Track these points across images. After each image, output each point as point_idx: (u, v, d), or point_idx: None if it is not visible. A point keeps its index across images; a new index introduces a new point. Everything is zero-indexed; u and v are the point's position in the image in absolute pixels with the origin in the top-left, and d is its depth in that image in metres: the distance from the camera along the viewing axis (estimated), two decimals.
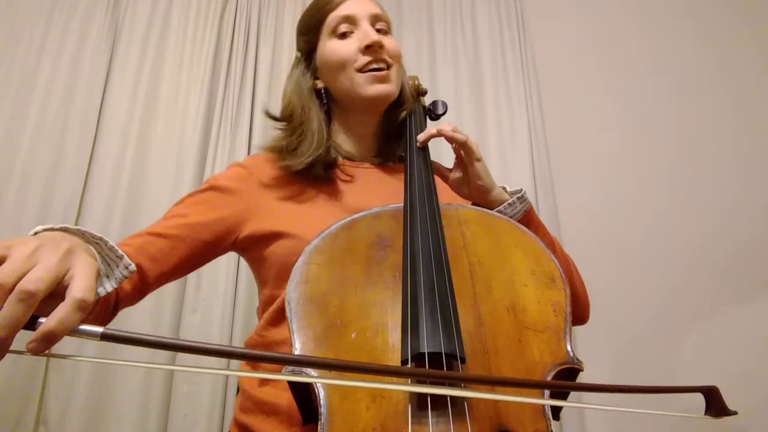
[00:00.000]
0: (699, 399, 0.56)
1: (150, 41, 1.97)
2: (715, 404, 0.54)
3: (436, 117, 1.06)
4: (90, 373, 1.59)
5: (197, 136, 1.87)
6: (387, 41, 0.95)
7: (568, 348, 0.61)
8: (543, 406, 0.56)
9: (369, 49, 0.92)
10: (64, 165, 1.78)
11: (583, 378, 0.65)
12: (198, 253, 0.87)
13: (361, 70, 0.93)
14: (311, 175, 0.92)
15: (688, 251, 1.79)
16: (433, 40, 2.12)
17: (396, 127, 1.01)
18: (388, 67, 0.94)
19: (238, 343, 1.68)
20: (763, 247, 1.74)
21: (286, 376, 0.53)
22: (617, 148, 1.96)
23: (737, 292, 1.73)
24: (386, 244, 0.71)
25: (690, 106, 1.95)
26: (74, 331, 0.44)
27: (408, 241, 0.69)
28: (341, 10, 0.95)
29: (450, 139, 0.87)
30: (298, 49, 1.04)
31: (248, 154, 1.84)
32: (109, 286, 0.64)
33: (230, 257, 1.72)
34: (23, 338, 0.43)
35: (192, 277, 1.70)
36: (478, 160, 0.87)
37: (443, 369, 0.55)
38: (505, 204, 0.86)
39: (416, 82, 1.07)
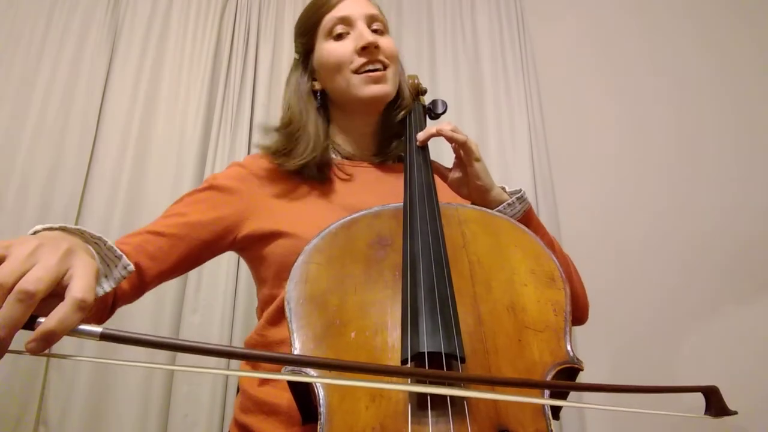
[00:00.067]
0: (699, 399, 0.56)
1: (150, 41, 1.97)
2: (715, 404, 0.54)
3: (435, 116, 1.06)
4: (90, 373, 1.59)
5: (197, 136, 1.87)
6: (383, 41, 0.95)
7: (568, 347, 0.61)
8: (543, 405, 0.56)
9: (364, 50, 0.92)
10: (64, 165, 1.78)
11: (583, 378, 0.65)
12: (197, 252, 0.87)
13: (357, 72, 0.93)
14: (305, 175, 0.93)
15: (688, 251, 1.79)
16: (433, 40, 2.12)
17: (395, 127, 1.01)
18: (385, 67, 0.94)
19: (238, 343, 1.68)
20: (763, 247, 1.74)
21: (285, 375, 0.53)
22: (617, 148, 1.96)
23: (737, 292, 1.73)
24: (386, 244, 0.71)
25: (690, 106, 1.95)
26: (74, 331, 0.44)
27: (408, 241, 0.69)
28: (337, 12, 0.95)
29: (449, 139, 0.87)
30: (296, 51, 1.05)
31: (248, 153, 1.84)
32: (107, 286, 0.64)
33: (230, 257, 1.72)
34: (22, 338, 0.43)
35: (192, 277, 1.70)
36: (478, 160, 0.87)
37: (443, 369, 0.55)
38: (504, 204, 0.86)
39: (416, 81, 1.07)
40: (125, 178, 1.79)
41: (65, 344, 1.48)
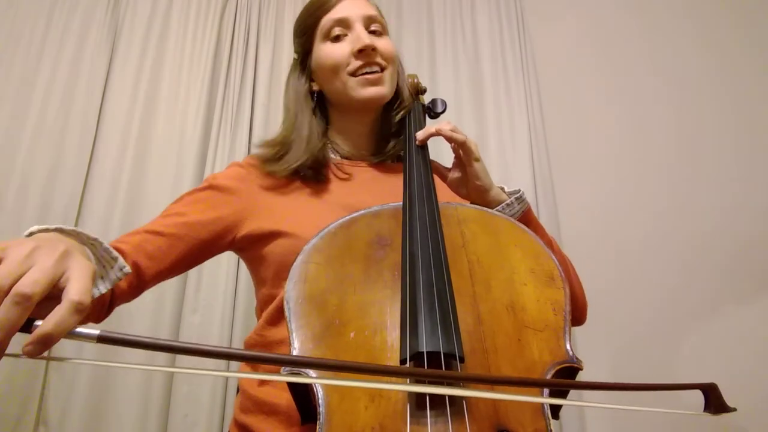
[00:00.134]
0: (699, 397, 0.56)
1: (150, 41, 1.97)
2: (714, 401, 0.54)
3: (435, 115, 1.06)
4: (90, 374, 1.59)
5: (197, 136, 1.87)
6: (381, 43, 0.95)
7: (568, 347, 0.61)
8: (542, 405, 0.56)
9: (361, 53, 0.92)
10: (64, 165, 1.78)
11: (582, 378, 0.65)
12: (196, 251, 0.87)
13: (353, 74, 0.93)
14: (301, 176, 0.93)
15: (688, 251, 1.79)
16: (433, 40, 2.12)
17: (394, 126, 1.01)
18: (382, 69, 0.94)
19: (238, 343, 1.68)
20: (763, 246, 1.74)
21: (284, 377, 0.53)
22: (617, 148, 1.96)
23: (737, 292, 1.73)
24: (385, 243, 0.71)
25: (690, 106, 1.95)
26: (71, 334, 0.43)
27: (407, 240, 0.69)
28: (334, 13, 0.95)
29: (449, 139, 0.87)
30: (295, 50, 1.05)
31: (248, 154, 1.84)
32: (103, 288, 0.64)
33: (230, 257, 1.72)
34: (20, 340, 0.43)
35: (192, 277, 1.70)
36: (477, 160, 0.87)
37: (442, 368, 0.55)
38: (503, 204, 0.86)
39: (415, 81, 1.07)
40: (125, 178, 1.79)
41: (65, 346, 1.49)
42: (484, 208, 0.82)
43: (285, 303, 0.64)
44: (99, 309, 0.76)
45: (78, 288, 0.45)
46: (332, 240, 0.72)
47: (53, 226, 0.59)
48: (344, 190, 0.94)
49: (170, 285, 1.67)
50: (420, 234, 0.69)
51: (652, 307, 1.75)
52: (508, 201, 0.87)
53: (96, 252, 0.63)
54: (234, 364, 1.48)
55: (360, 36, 0.93)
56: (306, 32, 0.99)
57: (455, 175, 0.91)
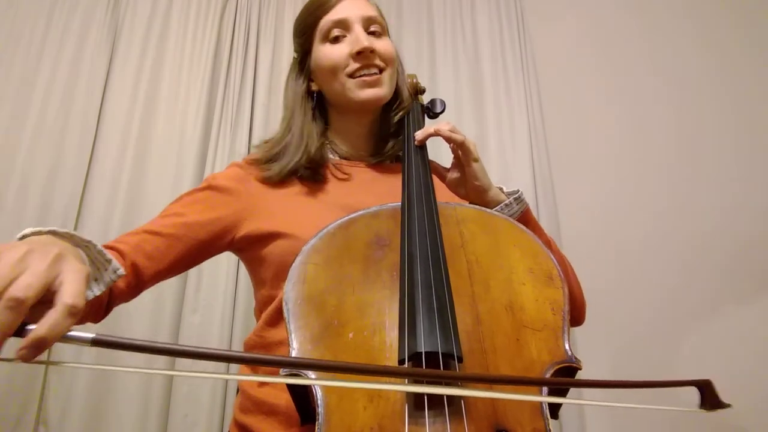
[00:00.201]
0: (696, 395, 0.56)
1: (150, 41, 1.97)
2: (709, 398, 0.54)
3: (434, 115, 1.06)
4: (90, 374, 1.59)
5: (197, 136, 1.87)
6: (380, 44, 0.95)
7: (567, 347, 0.61)
8: (541, 405, 0.56)
9: (359, 55, 0.92)
10: (64, 165, 1.78)
11: (581, 378, 0.65)
12: (194, 252, 0.87)
13: (351, 76, 0.93)
14: (299, 176, 0.93)
15: (688, 251, 1.79)
16: (433, 40, 2.12)
17: (393, 127, 1.01)
18: (380, 71, 0.94)
19: (238, 343, 1.68)
20: (762, 246, 1.74)
21: (283, 378, 0.53)
22: (617, 148, 1.96)
23: (737, 292, 1.73)
24: (384, 244, 0.71)
25: (690, 106, 1.95)
26: (65, 337, 0.43)
27: (406, 240, 0.69)
28: (334, 14, 0.95)
29: (447, 139, 0.87)
30: (295, 50, 1.05)
31: (248, 154, 1.84)
32: (97, 290, 0.64)
33: (230, 257, 1.72)
34: (15, 344, 0.43)
35: (192, 277, 1.70)
36: (476, 160, 0.87)
37: (440, 369, 0.55)
38: (501, 204, 0.87)
39: (414, 81, 1.07)
40: (125, 178, 1.79)
41: (64, 349, 1.49)
42: (483, 208, 0.82)
43: (284, 304, 0.64)
44: (97, 309, 0.76)
45: (71, 291, 0.45)
46: (331, 240, 0.72)
47: (46, 229, 0.59)
48: (343, 190, 0.94)
49: (170, 285, 1.68)
50: (419, 234, 0.69)
51: (651, 306, 1.75)
52: (506, 201, 0.87)
53: (90, 254, 0.63)
54: (234, 364, 1.48)
55: (359, 38, 0.92)
56: (305, 32, 0.99)
57: (454, 175, 0.91)
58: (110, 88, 1.90)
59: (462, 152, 0.87)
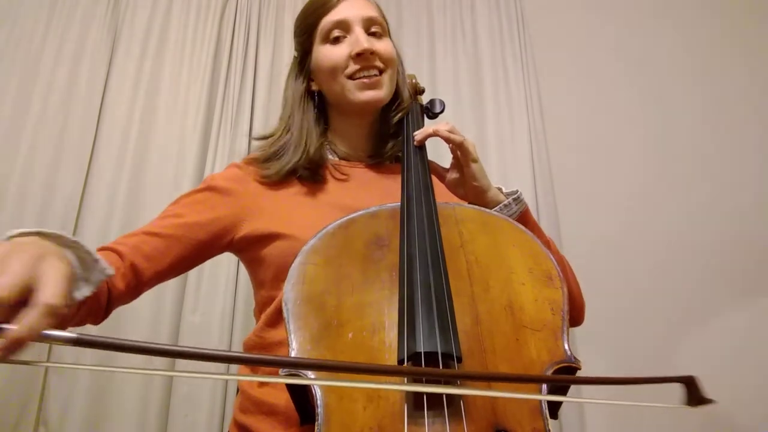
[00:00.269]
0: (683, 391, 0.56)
1: (150, 41, 1.97)
2: (694, 394, 0.54)
3: (433, 115, 1.06)
4: (90, 374, 1.59)
5: (197, 136, 1.87)
6: (381, 45, 0.94)
7: (566, 347, 0.61)
8: (540, 405, 0.56)
9: (359, 56, 0.92)
10: (64, 165, 1.78)
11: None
12: (193, 252, 0.87)
13: (351, 77, 0.93)
14: (298, 177, 0.93)
15: (688, 251, 1.80)
16: (433, 40, 2.12)
17: (393, 127, 1.01)
18: (380, 72, 0.94)
19: (237, 343, 1.68)
20: (760, 247, 1.75)
21: (283, 378, 0.53)
22: (617, 148, 1.96)
23: (736, 293, 1.74)
24: (383, 244, 0.71)
25: (690, 106, 1.96)
26: (46, 337, 0.42)
27: (405, 241, 0.69)
28: (334, 14, 0.94)
29: (446, 140, 0.87)
30: (295, 49, 1.05)
31: (248, 154, 1.84)
32: (87, 290, 0.63)
33: (230, 258, 1.72)
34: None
35: (192, 277, 1.70)
36: (475, 161, 0.87)
37: (439, 368, 0.55)
38: (501, 205, 0.87)
39: (413, 81, 1.07)
40: (125, 178, 1.79)
41: (65, 348, 1.49)
42: (482, 209, 0.82)
43: (283, 305, 0.64)
44: (96, 311, 0.76)
45: (50, 291, 0.45)
46: (330, 241, 0.72)
47: (33, 230, 0.59)
48: (342, 191, 0.94)
49: (170, 285, 1.68)
50: (418, 234, 0.69)
51: (651, 307, 1.75)
52: (506, 201, 0.87)
53: (78, 254, 0.63)
54: (234, 365, 1.48)
55: (359, 39, 0.92)
56: (306, 32, 0.99)
57: (453, 175, 0.91)
58: (110, 88, 1.90)
59: (461, 153, 0.87)
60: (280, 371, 0.55)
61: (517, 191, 0.88)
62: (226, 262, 1.72)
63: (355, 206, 0.79)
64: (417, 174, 0.83)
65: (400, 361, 0.55)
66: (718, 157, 1.89)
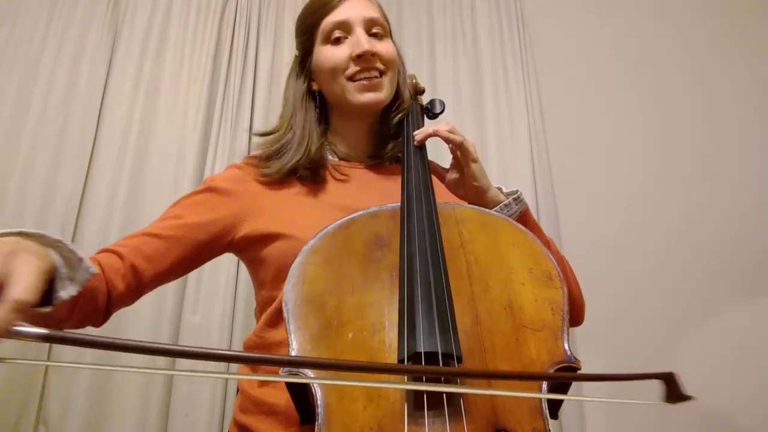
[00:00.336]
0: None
1: (150, 41, 1.97)
2: (673, 390, 0.54)
3: (433, 116, 1.06)
4: (90, 373, 1.59)
5: (197, 136, 1.87)
6: (381, 46, 0.94)
7: (566, 347, 0.61)
8: (540, 404, 0.56)
9: (360, 58, 0.91)
10: (64, 165, 1.78)
11: None
12: (194, 253, 0.87)
13: (352, 79, 0.93)
14: (298, 177, 0.93)
15: (688, 251, 1.80)
16: (433, 40, 2.12)
17: (393, 128, 1.01)
18: (381, 74, 0.94)
19: (238, 344, 1.68)
20: (759, 247, 1.75)
21: (283, 377, 0.53)
22: (618, 148, 1.96)
23: (736, 293, 1.74)
24: (383, 244, 0.71)
25: (690, 106, 1.96)
26: (15, 333, 0.41)
27: (405, 241, 0.69)
28: (335, 15, 0.94)
29: (446, 140, 0.87)
30: (296, 48, 1.05)
31: (248, 154, 1.84)
32: (73, 290, 0.62)
33: (230, 258, 1.72)
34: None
35: (192, 277, 1.70)
36: (475, 161, 0.87)
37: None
38: (501, 205, 0.87)
39: (414, 81, 1.07)
40: (125, 178, 1.79)
41: (65, 348, 1.49)
42: (482, 209, 0.82)
43: (284, 304, 0.64)
44: (95, 313, 0.76)
45: (20, 287, 0.44)
46: (330, 241, 0.72)
47: (15, 230, 0.58)
48: (342, 191, 0.94)
49: (170, 285, 1.67)
50: (418, 234, 0.69)
51: (651, 307, 1.75)
52: (506, 201, 0.87)
53: (63, 253, 0.62)
54: (234, 365, 1.48)
55: (360, 40, 0.92)
56: (306, 32, 0.99)
57: (453, 175, 0.91)
58: (110, 88, 1.90)
59: (461, 153, 0.87)
60: (281, 371, 0.55)
61: (517, 191, 0.88)
62: (226, 262, 1.72)
63: (355, 206, 0.79)
64: (417, 174, 0.83)
65: (401, 361, 0.55)
66: (718, 157, 1.89)
